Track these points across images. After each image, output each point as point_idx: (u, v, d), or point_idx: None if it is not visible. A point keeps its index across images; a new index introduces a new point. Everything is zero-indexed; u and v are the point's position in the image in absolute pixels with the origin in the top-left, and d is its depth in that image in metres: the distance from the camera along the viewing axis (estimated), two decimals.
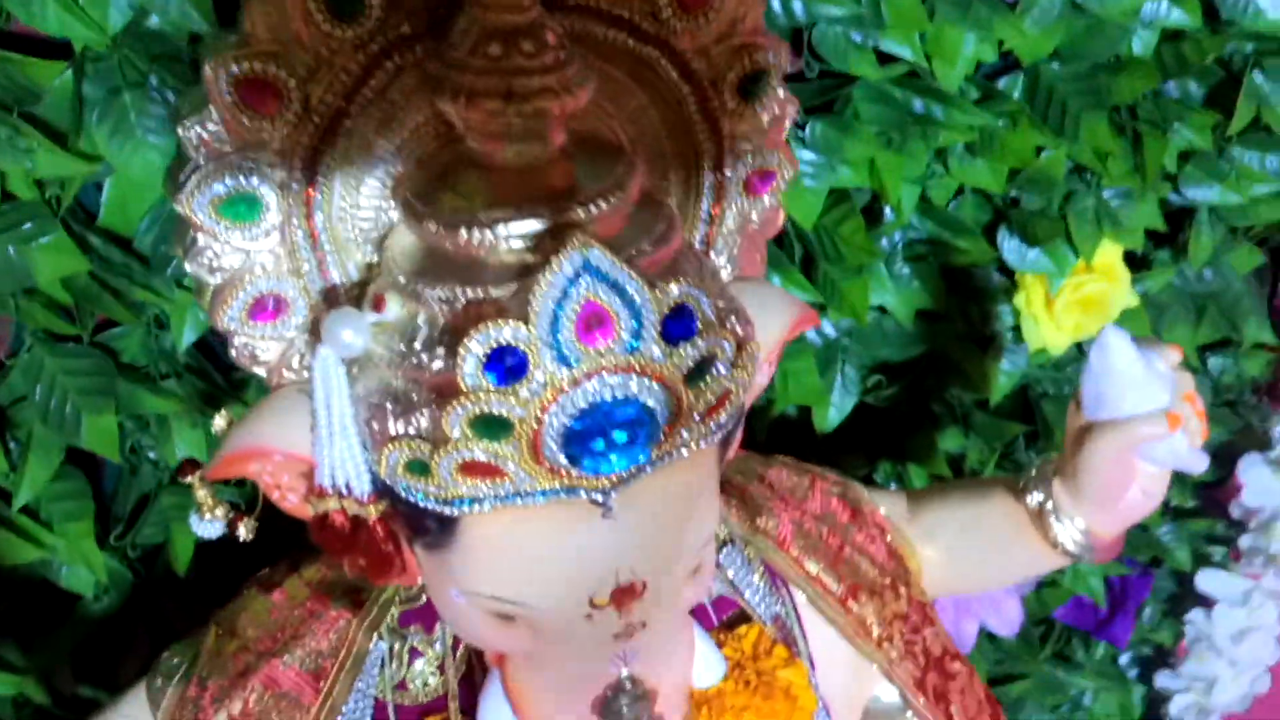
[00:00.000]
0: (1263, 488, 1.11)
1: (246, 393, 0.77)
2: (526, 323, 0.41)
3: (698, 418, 0.46)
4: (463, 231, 0.44)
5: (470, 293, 0.44)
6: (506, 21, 0.43)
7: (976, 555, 0.73)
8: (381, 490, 0.49)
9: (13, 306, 0.70)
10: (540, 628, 0.50)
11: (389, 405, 0.46)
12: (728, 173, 0.53)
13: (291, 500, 0.53)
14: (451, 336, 0.44)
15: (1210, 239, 0.96)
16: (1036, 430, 1.01)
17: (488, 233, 0.44)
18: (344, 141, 0.47)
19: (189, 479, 0.55)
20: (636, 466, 0.45)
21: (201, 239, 0.48)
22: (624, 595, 0.49)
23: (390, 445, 0.46)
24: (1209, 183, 0.91)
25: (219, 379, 0.76)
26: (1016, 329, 0.95)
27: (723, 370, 0.46)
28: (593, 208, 0.45)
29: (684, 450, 0.47)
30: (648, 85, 0.51)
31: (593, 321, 0.42)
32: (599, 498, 0.46)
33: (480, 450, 0.44)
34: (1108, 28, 0.82)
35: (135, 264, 0.71)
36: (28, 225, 0.67)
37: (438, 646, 0.59)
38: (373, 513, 0.50)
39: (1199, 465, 0.66)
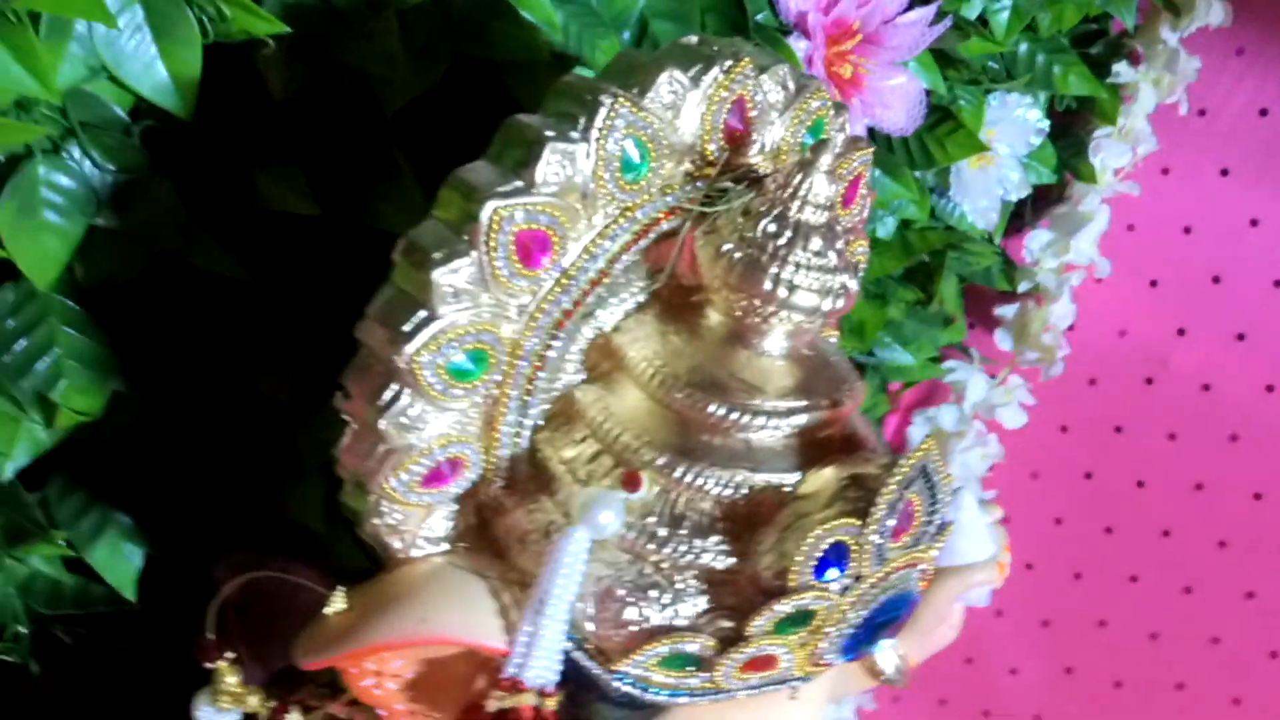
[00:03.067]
0: None
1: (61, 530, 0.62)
2: (864, 522, 0.41)
3: None
4: (759, 420, 0.43)
5: (757, 479, 0.43)
6: (819, 218, 0.43)
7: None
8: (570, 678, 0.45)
9: None
10: None
11: (652, 593, 0.42)
12: None
13: (388, 688, 0.46)
14: (731, 525, 0.43)
15: (871, 389, 1.12)
16: None
17: (783, 422, 0.43)
18: (588, 304, 0.44)
19: (214, 664, 0.46)
20: None
21: (407, 397, 0.42)
22: None
23: (653, 640, 0.42)
24: (895, 346, 1.07)
25: (37, 512, 0.61)
26: None
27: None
28: (854, 394, 0.46)
29: None
30: None
31: (903, 519, 0.43)
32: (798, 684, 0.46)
33: (771, 644, 0.42)
34: None
35: None
36: None
37: None
38: (552, 705, 0.45)
39: (986, 602, 0.79)
